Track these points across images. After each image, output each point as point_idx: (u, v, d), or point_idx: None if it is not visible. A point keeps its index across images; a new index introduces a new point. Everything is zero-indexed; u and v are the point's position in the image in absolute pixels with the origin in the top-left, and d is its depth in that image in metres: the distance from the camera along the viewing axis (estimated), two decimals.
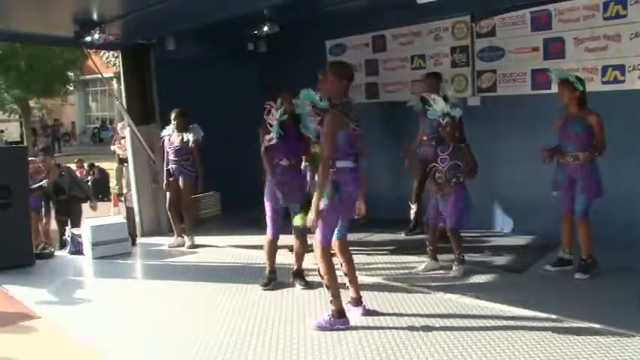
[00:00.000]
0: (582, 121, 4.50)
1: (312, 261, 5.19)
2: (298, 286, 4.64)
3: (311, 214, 3.75)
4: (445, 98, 5.11)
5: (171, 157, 6.24)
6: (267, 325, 3.95)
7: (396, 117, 6.84)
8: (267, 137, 4.59)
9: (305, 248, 4.68)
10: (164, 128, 6.39)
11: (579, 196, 4.53)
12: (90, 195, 8.15)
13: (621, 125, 4.94)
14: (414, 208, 6.19)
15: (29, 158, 7.38)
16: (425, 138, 5.92)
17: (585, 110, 4.51)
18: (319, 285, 4.53)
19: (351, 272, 4.02)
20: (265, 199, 4.67)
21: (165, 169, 6.34)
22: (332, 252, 3.92)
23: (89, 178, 12.33)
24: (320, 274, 3.85)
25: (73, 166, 10.29)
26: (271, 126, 4.57)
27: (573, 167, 4.57)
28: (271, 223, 4.67)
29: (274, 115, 4.55)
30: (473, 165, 4.81)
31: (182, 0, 5.02)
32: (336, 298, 3.82)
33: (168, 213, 6.42)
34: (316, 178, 4.82)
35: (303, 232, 4.59)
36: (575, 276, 4.56)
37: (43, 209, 7.66)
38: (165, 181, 6.36)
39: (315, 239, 3.84)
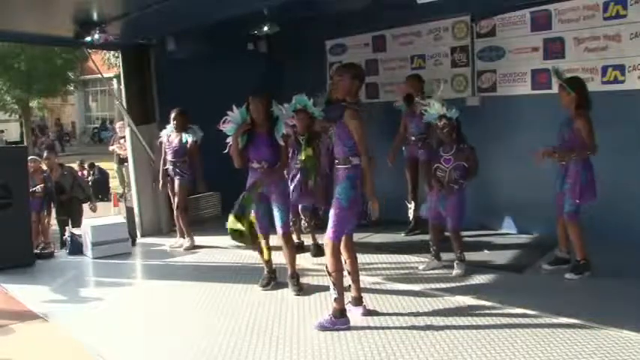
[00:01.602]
0: (570, 123, 4.49)
1: (312, 261, 5.22)
2: (292, 292, 4.58)
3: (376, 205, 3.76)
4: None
5: (169, 157, 6.22)
6: (267, 325, 3.95)
7: (396, 117, 6.83)
8: (229, 139, 4.52)
9: (292, 250, 4.64)
10: (164, 128, 6.38)
11: (566, 196, 4.54)
12: (90, 196, 8.16)
13: (621, 125, 4.94)
14: (411, 207, 6.21)
15: (30, 157, 7.41)
16: (413, 138, 5.99)
17: (577, 113, 4.47)
18: (317, 287, 4.54)
19: (354, 271, 4.02)
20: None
21: (162, 169, 6.32)
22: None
23: (90, 178, 12.34)
24: (328, 271, 3.85)
25: (75, 167, 10.33)
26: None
27: (563, 168, 4.58)
28: (256, 222, 4.60)
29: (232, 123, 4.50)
30: (474, 167, 4.83)
31: (182, 0, 5.02)
32: (340, 297, 3.82)
33: (175, 213, 6.41)
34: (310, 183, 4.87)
35: (285, 233, 4.56)
36: (566, 276, 4.56)
37: (44, 209, 7.68)
38: (161, 182, 6.36)
39: (326, 236, 3.83)
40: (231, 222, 4.32)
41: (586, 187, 4.47)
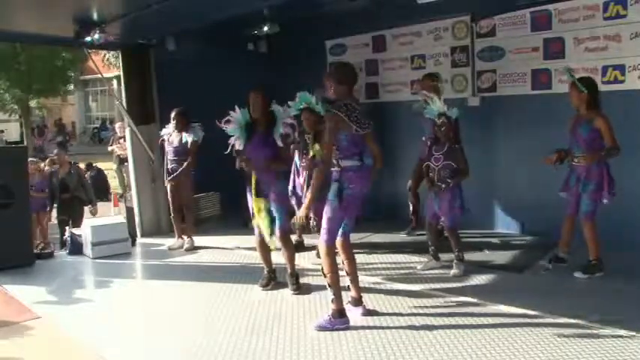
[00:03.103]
0: (588, 123, 4.49)
1: (312, 260, 5.22)
2: (289, 290, 4.58)
3: (300, 212, 3.83)
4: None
5: (171, 156, 6.22)
6: (267, 325, 3.95)
7: (396, 117, 6.84)
8: (231, 141, 4.55)
9: (291, 249, 4.63)
10: (164, 128, 6.38)
11: (584, 196, 4.53)
12: (93, 199, 8.17)
13: (621, 125, 4.93)
14: (411, 206, 6.22)
15: (30, 159, 7.43)
16: (423, 138, 5.96)
17: (593, 112, 4.48)
18: (317, 287, 4.53)
19: (352, 271, 4.02)
20: (248, 197, 4.64)
21: (164, 168, 6.31)
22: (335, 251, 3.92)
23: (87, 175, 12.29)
24: (323, 273, 3.85)
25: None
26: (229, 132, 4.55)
27: (581, 169, 4.56)
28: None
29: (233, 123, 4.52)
30: (464, 168, 4.83)
31: (182, 0, 5.02)
32: (338, 298, 3.82)
33: (171, 213, 6.41)
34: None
35: (284, 232, 4.54)
36: (575, 274, 4.56)
37: (45, 209, 7.71)
38: (164, 181, 6.33)
39: (319, 238, 3.84)
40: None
41: (610, 184, 4.50)
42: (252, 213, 4.57)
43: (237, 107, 4.54)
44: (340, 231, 3.89)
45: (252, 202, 4.52)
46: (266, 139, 4.49)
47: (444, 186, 4.77)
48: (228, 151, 4.56)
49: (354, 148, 3.77)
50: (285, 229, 4.58)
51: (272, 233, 4.47)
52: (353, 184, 3.76)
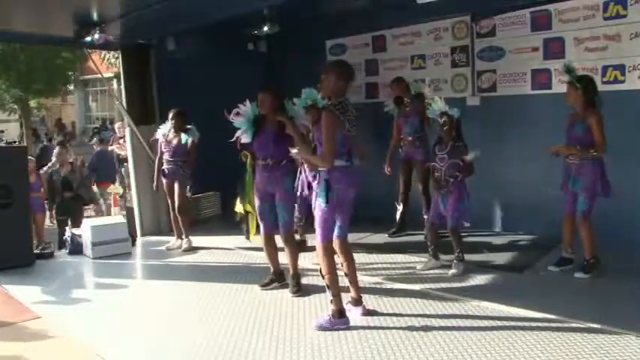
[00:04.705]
0: (583, 121, 4.49)
1: (313, 261, 5.21)
2: (290, 292, 4.56)
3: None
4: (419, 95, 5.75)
5: (167, 157, 6.17)
6: (267, 325, 3.95)
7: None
8: (238, 133, 4.53)
9: (294, 250, 4.60)
10: (159, 128, 6.35)
11: (580, 195, 4.54)
12: (94, 198, 8.17)
13: (621, 125, 4.93)
14: (399, 209, 6.22)
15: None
16: (410, 139, 5.99)
17: (589, 111, 4.48)
18: (317, 287, 4.53)
19: (351, 272, 4.01)
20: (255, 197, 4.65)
21: (157, 168, 6.28)
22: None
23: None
24: (321, 274, 3.85)
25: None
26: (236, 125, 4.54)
27: (576, 167, 4.57)
28: (260, 222, 4.62)
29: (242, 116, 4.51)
30: (469, 165, 4.84)
31: (182, 0, 5.02)
32: (337, 298, 3.82)
33: (171, 214, 6.39)
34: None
35: (288, 232, 4.54)
36: (575, 275, 4.57)
37: (44, 208, 7.71)
38: (156, 182, 6.32)
39: (315, 239, 3.84)
40: (237, 205, 4.48)
41: (604, 182, 4.50)
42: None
43: (247, 101, 4.52)
44: (337, 232, 3.87)
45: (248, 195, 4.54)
46: (276, 137, 4.45)
47: (452, 180, 4.78)
48: (233, 140, 4.54)
49: (342, 147, 3.73)
50: (290, 228, 4.57)
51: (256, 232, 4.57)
52: (339, 184, 3.72)
